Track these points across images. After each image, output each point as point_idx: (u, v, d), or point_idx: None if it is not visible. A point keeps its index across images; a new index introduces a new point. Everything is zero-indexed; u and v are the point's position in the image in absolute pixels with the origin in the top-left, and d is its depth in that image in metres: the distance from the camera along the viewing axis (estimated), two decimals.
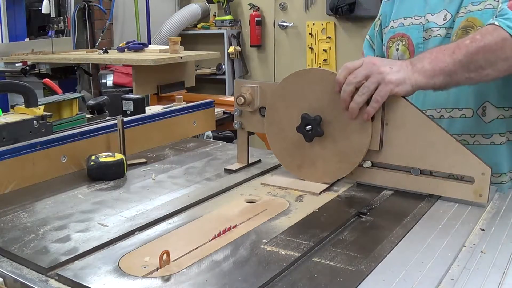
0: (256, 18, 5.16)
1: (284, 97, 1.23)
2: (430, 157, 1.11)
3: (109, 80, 4.54)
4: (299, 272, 0.83)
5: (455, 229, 0.98)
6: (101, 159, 1.28)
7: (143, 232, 0.98)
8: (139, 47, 3.74)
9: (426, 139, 1.10)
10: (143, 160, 1.43)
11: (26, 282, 0.81)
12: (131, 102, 1.67)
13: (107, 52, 3.80)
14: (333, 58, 4.85)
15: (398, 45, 1.46)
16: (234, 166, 1.36)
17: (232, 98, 1.39)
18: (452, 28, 1.35)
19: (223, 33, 5.28)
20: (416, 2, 1.43)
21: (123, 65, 4.23)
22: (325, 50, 4.86)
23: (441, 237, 0.95)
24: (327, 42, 4.85)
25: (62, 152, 1.31)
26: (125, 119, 1.47)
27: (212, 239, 0.94)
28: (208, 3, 5.49)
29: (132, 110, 1.66)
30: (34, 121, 1.40)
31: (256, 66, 5.41)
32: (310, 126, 1.17)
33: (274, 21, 5.15)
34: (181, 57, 3.40)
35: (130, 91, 3.82)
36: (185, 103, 1.82)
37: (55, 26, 3.99)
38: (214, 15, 5.49)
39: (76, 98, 1.79)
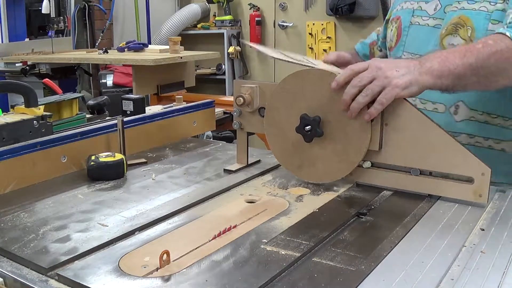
0: (256, 18, 5.16)
1: (284, 98, 1.22)
2: (430, 158, 1.11)
3: (109, 80, 4.54)
4: (299, 272, 0.83)
5: (455, 229, 0.98)
6: (101, 159, 1.28)
7: (143, 232, 0.98)
8: (139, 47, 3.74)
9: (425, 140, 1.10)
10: (143, 160, 1.43)
11: (26, 282, 0.81)
12: (131, 102, 1.67)
13: (107, 52, 3.80)
14: None
15: (393, 27, 1.51)
16: (233, 167, 1.36)
17: (232, 98, 1.39)
18: (442, 19, 1.37)
19: (223, 33, 5.28)
20: None
21: (123, 65, 4.23)
22: (325, 50, 4.85)
23: (441, 237, 0.95)
24: (327, 42, 4.85)
25: (62, 152, 1.31)
26: (125, 119, 1.47)
27: (212, 239, 0.94)
28: (208, 3, 5.48)
29: (132, 110, 1.66)
30: (34, 121, 1.40)
31: (256, 66, 5.41)
32: (309, 127, 1.17)
33: (274, 21, 5.15)
34: (181, 57, 3.40)
35: (130, 91, 3.82)
36: (185, 103, 1.82)
37: (55, 26, 3.99)
38: (214, 15, 5.49)
39: (76, 98, 1.79)
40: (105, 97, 2.01)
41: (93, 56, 3.91)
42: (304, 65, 1.22)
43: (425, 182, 1.13)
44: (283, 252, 0.88)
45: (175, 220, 1.04)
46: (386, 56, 1.65)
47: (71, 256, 0.87)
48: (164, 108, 1.76)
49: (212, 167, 1.38)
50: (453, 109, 1.33)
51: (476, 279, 0.80)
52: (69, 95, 1.81)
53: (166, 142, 1.60)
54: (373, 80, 1.06)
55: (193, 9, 5.45)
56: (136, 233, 0.97)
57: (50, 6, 3.80)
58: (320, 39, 4.87)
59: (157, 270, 0.82)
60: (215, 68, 5.43)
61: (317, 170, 1.22)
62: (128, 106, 1.67)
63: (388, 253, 0.88)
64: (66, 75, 4.20)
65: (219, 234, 0.95)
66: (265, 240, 0.93)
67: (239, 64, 5.40)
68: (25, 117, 1.40)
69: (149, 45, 3.92)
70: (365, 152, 1.15)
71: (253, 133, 1.43)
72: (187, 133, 1.69)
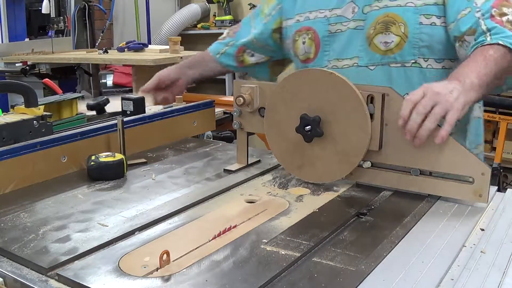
0: None
1: (284, 98, 1.22)
2: (430, 158, 1.10)
3: (109, 80, 4.54)
4: (299, 272, 0.83)
5: (455, 229, 0.99)
6: (101, 159, 1.28)
7: (143, 232, 0.98)
8: (139, 47, 3.75)
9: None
10: (143, 160, 1.43)
11: (26, 282, 0.81)
12: (131, 102, 1.67)
13: (107, 52, 3.80)
14: None
15: (304, 39, 1.51)
16: (233, 167, 1.36)
17: (232, 98, 1.39)
18: (363, 20, 1.40)
19: (223, 33, 5.28)
20: None
21: (123, 65, 4.23)
22: None
23: (441, 237, 0.95)
24: None
25: (62, 152, 1.31)
26: (125, 119, 1.47)
27: (212, 239, 0.94)
28: (208, 3, 5.48)
29: (132, 110, 1.66)
30: (34, 121, 1.40)
31: None
32: (309, 127, 1.16)
33: None
34: (181, 57, 3.40)
35: (130, 91, 3.82)
36: (185, 103, 1.82)
37: (55, 26, 3.99)
38: (214, 15, 5.49)
39: (76, 98, 1.79)
40: (105, 97, 2.01)
41: (93, 56, 3.91)
42: None
43: (425, 182, 1.13)
44: (283, 252, 0.88)
45: (175, 220, 1.04)
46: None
47: (71, 256, 0.87)
48: (164, 108, 1.75)
49: (212, 167, 1.38)
50: None
51: (476, 279, 0.81)
52: (69, 95, 1.81)
53: (166, 142, 1.60)
54: (435, 105, 1.05)
55: (193, 9, 5.45)
56: (136, 233, 0.97)
57: (50, 6, 3.80)
58: None
59: (157, 270, 0.82)
60: None
61: (317, 170, 1.22)
62: (128, 106, 1.67)
63: (388, 253, 0.88)
64: (66, 75, 4.20)
65: (219, 234, 0.95)
66: (265, 240, 0.93)
67: None
68: (25, 117, 1.40)
69: (149, 45, 3.93)
70: (365, 152, 1.15)
71: (253, 133, 1.43)
72: (187, 133, 1.69)
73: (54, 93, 2.08)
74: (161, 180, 1.28)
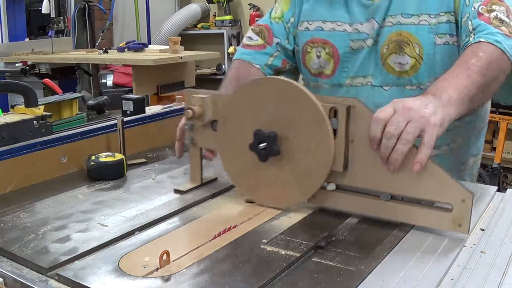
0: (256, 18, 5.15)
1: (237, 110, 1.07)
2: (402, 180, 0.94)
3: (109, 80, 4.54)
4: (299, 272, 0.83)
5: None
6: (101, 159, 1.28)
7: (143, 232, 0.98)
8: (139, 47, 3.75)
9: None
10: (143, 160, 1.43)
11: (26, 282, 0.81)
12: (131, 102, 1.67)
13: (107, 52, 3.81)
14: None
15: (320, 52, 1.38)
16: (184, 187, 1.20)
17: None
18: (378, 35, 1.30)
19: (223, 33, 5.28)
20: (337, 6, 1.35)
21: (123, 65, 4.24)
22: None
23: (441, 237, 0.95)
24: None
25: (62, 152, 1.31)
26: (125, 119, 1.47)
27: (212, 239, 0.94)
28: (208, 3, 5.49)
29: (132, 110, 1.66)
30: (34, 121, 1.40)
31: None
32: (264, 144, 1.02)
33: None
34: (181, 57, 3.41)
35: (130, 91, 3.82)
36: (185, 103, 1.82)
37: (55, 26, 4.00)
38: (214, 15, 5.50)
39: (76, 98, 1.79)
40: (105, 97, 2.01)
41: (93, 56, 3.92)
42: None
43: (397, 209, 0.97)
44: (283, 252, 0.88)
45: (175, 220, 1.04)
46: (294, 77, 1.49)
47: (71, 256, 0.87)
48: (164, 108, 1.75)
49: (212, 167, 1.38)
50: None
51: (476, 279, 0.80)
52: (69, 95, 1.81)
53: (166, 142, 1.60)
54: (408, 122, 0.91)
55: (193, 9, 5.46)
56: (136, 233, 0.97)
57: (50, 6, 3.81)
58: None
59: (157, 270, 0.82)
60: (215, 68, 5.43)
61: (274, 193, 1.07)
62: (128, 106, 1.67)
63: (388, 253, 0.88)
64: (66, 75, 4.21)
65: (219, 234, 0.95)
66: (265, 240, 0.93)
67: None
68: (25, 117, 1.40)
69: (149, 45, 3.93)
70: (328, 173, 0.99)
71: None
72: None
73: (54, 93, 2.09)
74: (161, 180, 1.28)
